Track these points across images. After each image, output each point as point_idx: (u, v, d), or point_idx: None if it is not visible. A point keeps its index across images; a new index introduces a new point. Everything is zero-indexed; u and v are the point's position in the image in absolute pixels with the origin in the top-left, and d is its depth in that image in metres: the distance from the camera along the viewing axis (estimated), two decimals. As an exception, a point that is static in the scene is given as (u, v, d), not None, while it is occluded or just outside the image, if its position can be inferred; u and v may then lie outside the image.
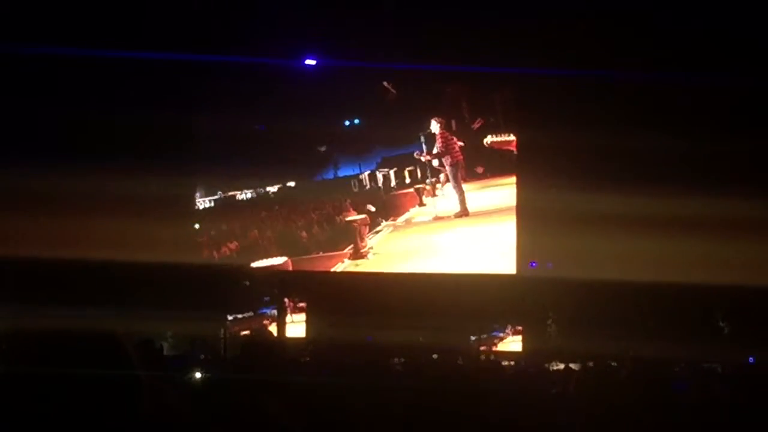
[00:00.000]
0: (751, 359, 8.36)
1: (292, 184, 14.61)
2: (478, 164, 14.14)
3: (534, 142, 12.11)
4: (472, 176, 14.12)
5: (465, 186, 13.93)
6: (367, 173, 14.44)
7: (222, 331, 12.02)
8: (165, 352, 8.39)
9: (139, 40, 10.75)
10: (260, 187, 14.63)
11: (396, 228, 14.26)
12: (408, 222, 14.27)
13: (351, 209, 14.35)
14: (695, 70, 10.11)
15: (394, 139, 14.18)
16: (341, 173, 14.51)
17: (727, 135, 10.20)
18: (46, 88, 10.94)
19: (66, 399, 1.61)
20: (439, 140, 13.76)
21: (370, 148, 14.40)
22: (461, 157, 13.86)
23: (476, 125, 14.13)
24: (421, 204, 14.23)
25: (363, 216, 14.18)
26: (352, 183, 14.42)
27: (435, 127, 13.84)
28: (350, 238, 14.16)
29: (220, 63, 11.84)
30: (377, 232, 14.21)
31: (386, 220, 14.28)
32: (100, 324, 1.79)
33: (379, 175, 14.36)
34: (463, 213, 13.85)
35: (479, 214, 13.91)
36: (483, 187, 14.07)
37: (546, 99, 11.54)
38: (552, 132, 11.27)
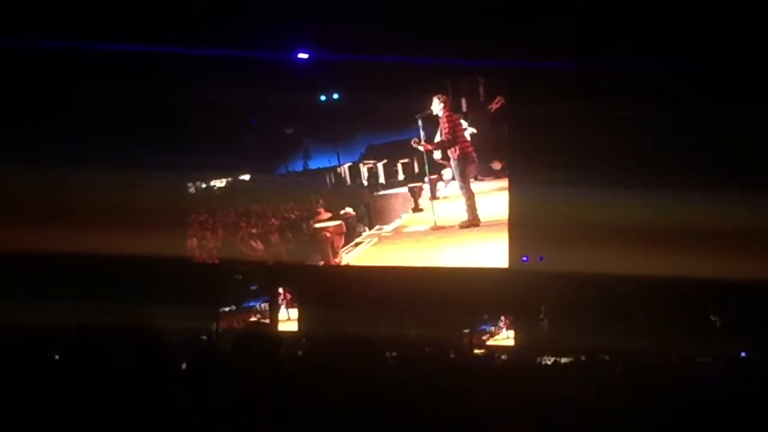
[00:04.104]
0: (743, 353, 8.69)
1: (245, 177, 12.91)
2: (494, 158, 12.20)
3: (526, 135, 11.78)
4: (486, 174, 12.21)
5: (476, 186, 11.99)
6: (347, 165, 12.74)
7: (214, 324, 11.74)
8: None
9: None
10: (202, 180, 12.86)
11: (381, 239, 12.43)
12: (398, 232, 12.44)
13: (323, 212, 12.69)
14: (698, 61, 10.27)
15: (385, 121, 12.35)
16: (313, 164, 12.79)
17: (722, 130, 10.56)
18: (29, 81, 10.96)
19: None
20: (444, 125, 11.79)
21: (353, 132, 12.67)
22: (472, 148, 11.95)
23: (495, 106, 12.10)
24: (417, 209, 12.38)
25: (337, 223, 12.51)
26: (328, 178, 12.76)
27: (437, 107, 11.87)
28: (320, 252, 12.51)
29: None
30: (356, 245, 12.47)
31: (370, 229, 12.54)
32: (92, 319, 1.94)
33: (364, 169, 12.68)
34: (472, 222, 11.87)
35: (494, 223, 11.97)
36: (501, 189, 12.16)
37: (538, 92, 11.27)
38: (543, 125, 11.25)
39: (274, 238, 12.71)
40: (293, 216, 12.72)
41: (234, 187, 12.86)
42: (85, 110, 11.28)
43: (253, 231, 12.69)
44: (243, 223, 12.78)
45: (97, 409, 1.76)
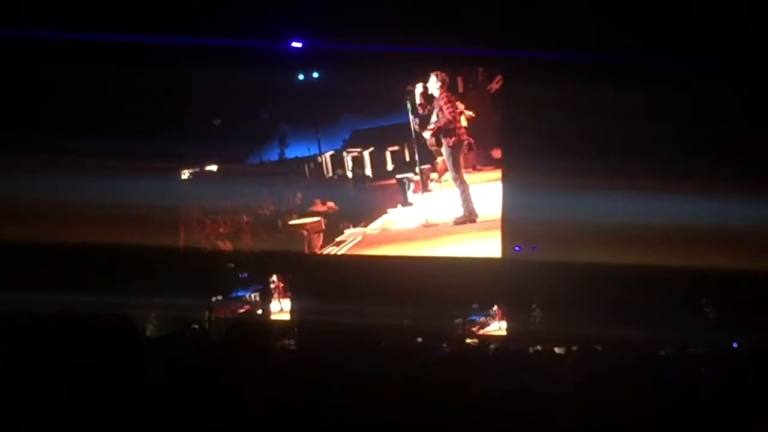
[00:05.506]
0: (735, 344, 9.00)
1: (212, 168, 11.98)
2: (494, 145, 11.32)
3: (520, 125, 11.59)
4: (485, 163, 11.34)
5: (472, 177, 11.10)
6: (329, 154, 11.88)
7: (207, 313, 11.58)
8: (149, 334, 9.35)
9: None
10: (162, 172, 11.59)
11: (366, 238, 11.55)
12: (384, 230, 11.54)
13: (303, 207, 11.83)
14: (698, 55, 10.44)
15: (373, 103, 11.51)
16: (290, 153, 11.98)
17: (719, 124, 10.85)
18: (17, 72, 10.98)
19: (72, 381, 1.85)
20: (446, 106, 10.82)
21: (335, 115, 11.77)
22: (467, 134, 10.99)
23: (495, 86, 11.18)
24: (406, 203, 11.52)
25: (316, 219, 11.62)
26: (306, 168, 11.91)
27: (434, 86, 10.83)
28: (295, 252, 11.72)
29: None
30: (338, 244, 11.58)
31: (353, 226, 11.57)
32: (85, 308, 2.01)
33: (348, 158, 11.83)
34: (468, 218, 11.06)
35: (493, 219, 11.20)
36: (500, 180, 11.39)
37: (533, 83, 11.15)
38: (538, 115, 11.26)
39: (245, 236, 11.73)
40: (267, 212, 11.75)
41: (199, 179, 11.92)
42: (50, 98, 11.03)
43: (221, 230, 11.70)
44: (208, 221, 11.77)
45: (72, 402, 1.78)
